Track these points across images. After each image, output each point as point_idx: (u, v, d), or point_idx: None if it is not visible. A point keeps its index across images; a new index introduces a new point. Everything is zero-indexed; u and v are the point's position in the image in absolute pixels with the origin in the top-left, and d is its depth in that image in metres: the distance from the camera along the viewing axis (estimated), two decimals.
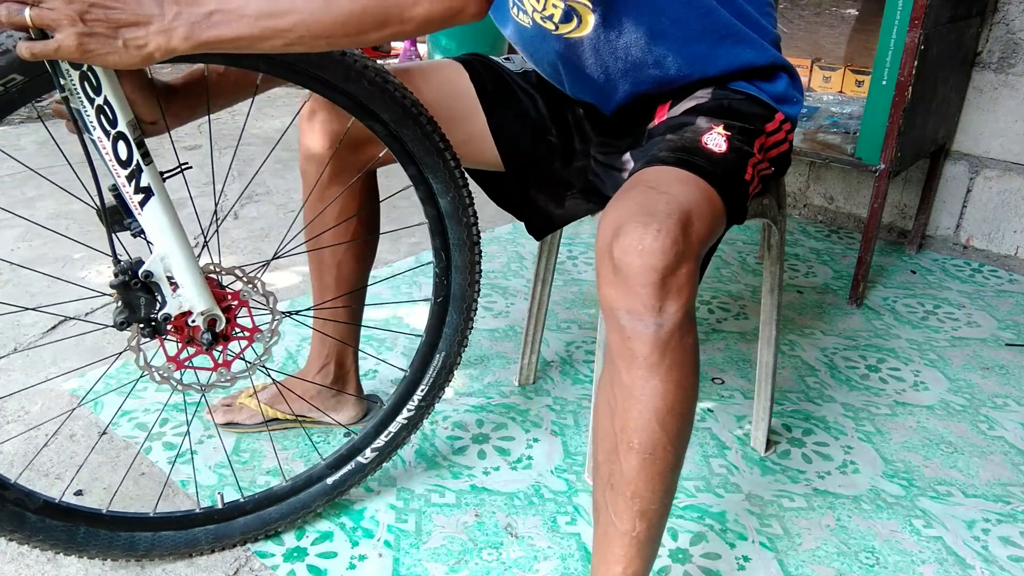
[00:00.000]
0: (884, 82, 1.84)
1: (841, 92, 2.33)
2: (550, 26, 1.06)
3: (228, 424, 1.40)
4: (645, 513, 0.89)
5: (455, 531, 1.21)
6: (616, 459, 0.88)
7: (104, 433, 1.40)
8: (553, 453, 1.40)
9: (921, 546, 1.23)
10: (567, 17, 1.03)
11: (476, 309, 1.16)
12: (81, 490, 1.26)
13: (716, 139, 0.99)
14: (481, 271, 1.14)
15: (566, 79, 1.15)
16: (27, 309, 1.29)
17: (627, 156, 1.14)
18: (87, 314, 1.75)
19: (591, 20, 1.02)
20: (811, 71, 2.36)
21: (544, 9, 1.05)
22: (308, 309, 1.31)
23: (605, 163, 1.18)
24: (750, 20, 1.08)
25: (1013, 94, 2.16)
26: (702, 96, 1.08)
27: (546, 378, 1.63)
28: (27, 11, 0.74)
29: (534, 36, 1.10)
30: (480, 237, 1.12)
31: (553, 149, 1.22)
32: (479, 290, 1.15)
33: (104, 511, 1.08)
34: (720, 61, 1.07)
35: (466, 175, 1.07)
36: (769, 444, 1.44)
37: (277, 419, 1.40)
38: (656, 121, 1.10)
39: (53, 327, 1.71)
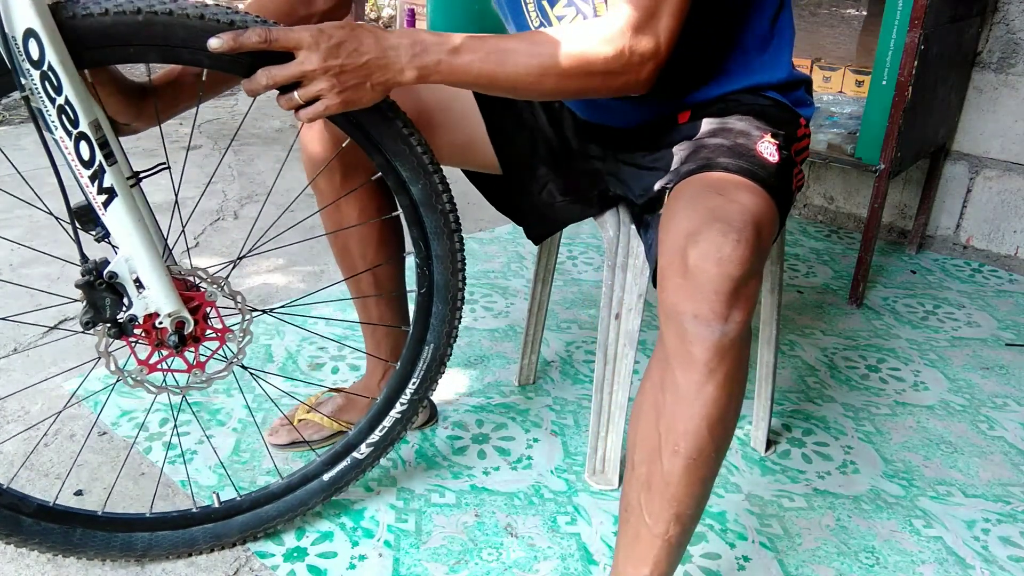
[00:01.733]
0: (884, 82, 1.84)
1: (841, 92, 2.33)
2: None
3: (293, 444, 1.37)
4: (680, 517, 0.90)
5: (455, 531, 1.21)
6: (657, 460, 0.88)
7: (104, 433, 1.40)
8: (553, 453, 1.40)
9: (921, 546, 1.23)
10: None
11: (463, 299, 1.15)
12: (81, 490, 1.26)
13: (769, 148, 0.99)
14: (464, 260, 1.12)
15: (582, 107, 1.15)
16: (5, 319, 1.29)
17: (652, 155, 1.12)
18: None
19: None
20: (811, 71, 2.35)
21: None
22: (282, 306, 1.31)
23: (629, 162, 1.16)
24: (771, 40, 1.08)
25: (1013, 94, 2.16)
26: (732, 99, 1.07)
27: (546, 378, 1.63)
28: (295, 94, 0.88)
29: None
30: (460, 224, 1.10)
31: (552, 152, 1.21)
32: (464, 279, 1.14)
33: (100, 512, 1.08)
34: (744, 82, 1.08)
35: (437, 162, 1.05)
36: (769, 444, 1.43)
37: (344, 432, 1.38)
38: (680, 122, 1.09)
39: (53, 327, 1.71)
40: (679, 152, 1.04)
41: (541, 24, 1.06)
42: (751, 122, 1.03)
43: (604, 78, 0.92)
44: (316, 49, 0.85)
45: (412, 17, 4.59)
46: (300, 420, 1.39)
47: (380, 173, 1.06)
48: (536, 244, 1.33)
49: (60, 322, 1.73)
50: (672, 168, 1.02)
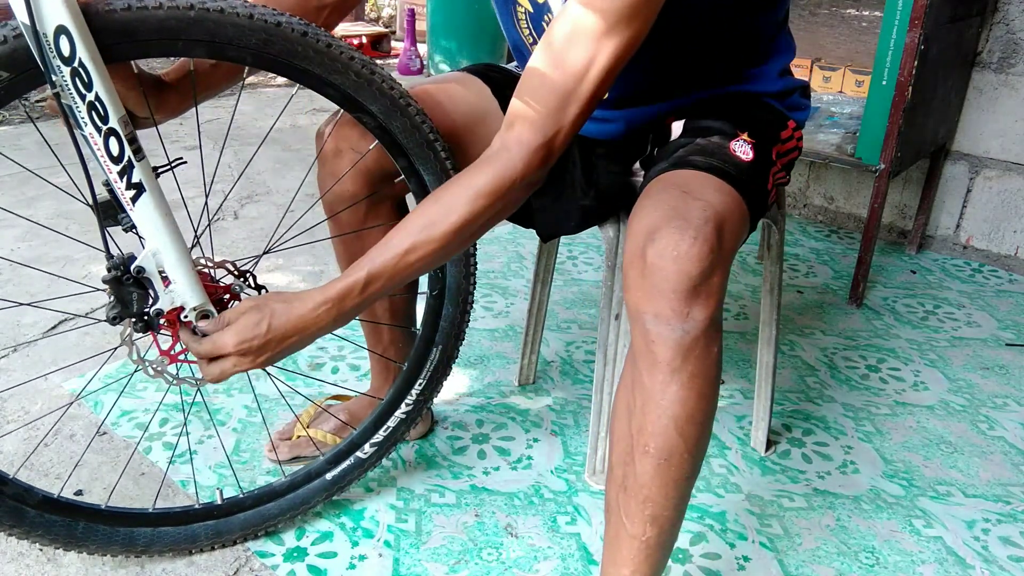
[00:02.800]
0: (884, 82, 1.84)
1: (841, 92, 2.33)
2: None
3: (296, 459, 1.35)
4: (657, 519, 0.89)
5: (455, 531, 1.21)
6: (631, 462, 0.88)
7: (104, 433, 1.40)
8: (553, 453, 1.40)
9: (921, 546, 1.23)
10: None
11: (472, 302, 1.16)
12: (81, 490, 1.27)
13: (743, 146, 0.99)
14: (476, 263, 1.14)
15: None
16: (24, 305, 1.29)
17: (637, 165, 1.13)
18: (88, 313, 1.75)
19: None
20: (811, 71, 2.36)
21: None
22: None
23: (618, 171, 1.17)
24: (765, 49, 1.08)
25: (1013, 94, 2.16)
26: (719, 103, 1.07)
27: (546, 378, 1.63)
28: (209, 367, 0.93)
29: None
30: None
31: (574, 160, 1.20)
32: (475, 282, 1.15)
33: (103, 506, 1.08)
34: (733, 91, 1.08)
35: (458, 168, 1.06)
36: (769, 444, 1.44)
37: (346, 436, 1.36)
38: (669, 124, 1.10)
39: (53, 327, 1.71)
40: (660, 153, 1.05)
41: (535, 43, 1.05)
42: (728, 122, 1.03)
43: (507, 206, 0.92)
44: (240, 357, 0.91)
45: (412, 17, 4.58)
46: (299, 436, 1.35)
47: (402, 176, 1.07)
48: (545, 242, 1.32)
49: (60, 321, 1.73)
50: (650, 169, 1.03)
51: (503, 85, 1.17)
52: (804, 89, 1.14)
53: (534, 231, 1.32)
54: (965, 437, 1.50)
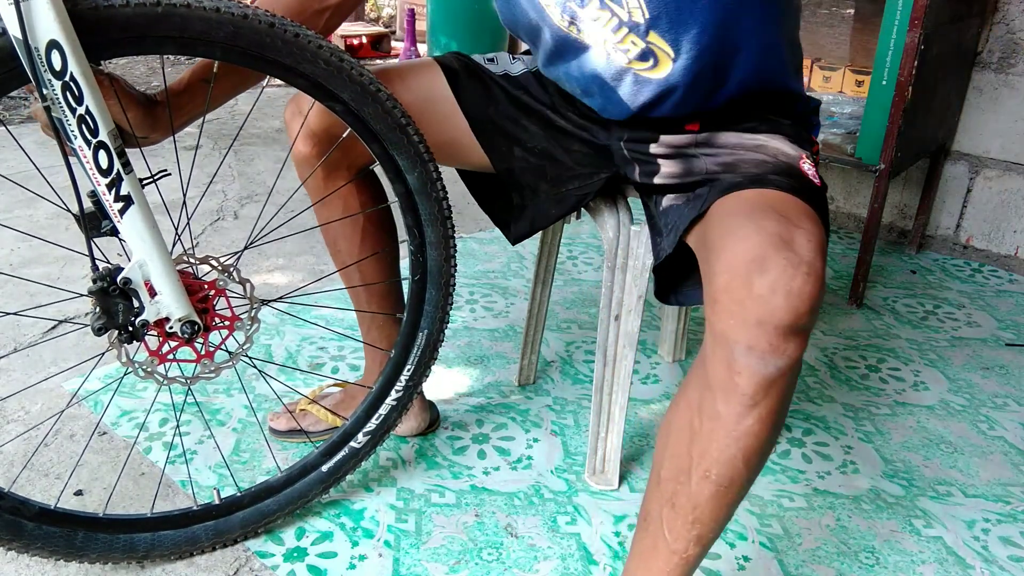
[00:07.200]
0: (884, 82, 1.84)
1: (841, 92, 2.33)
2: (621, 59, 1.02)
3: (291, 432, 1.39)
4: (701, 538, 0.88)
5: (455, 531, 1.21)
6: (686, 482, 0.86)
7: (104, 433, 1.40)
8: (553, 453, 1.40)
9: (921, 546, 1.23)
10: (644, 57, 1.00)
11: (455, 285, 1.16)
12: (81, 490, 1.26)
13: (809, 167, 0.98)
14: (456, 246, 1.14)
15: (607, 103, 1.09)
16: (11, 314, 1.29)
17: (653, 147, 1.11)
18: (87, 314, 1.75)
19: (669, 66, 1.00)
20: (811, 71, 2.36)
21: (621, 42, 1.01)
22: (279, 299, 1.30)
23: (631, 142, 1.14)
24: (796, 56, 1.09)
25: (1013, 94, 2.16)
26: (739, 107, 1.06)
27: (546, 378, 1.63)
28: None
29: (595, 59, 1.05)
30: (451, 211, 1.11)
31: (543, 154, 1.20)
32: (456, 265, 1.15)
33: (101, 514, 1.08)
34: (770, 93, 1.07)
35: (431, 151, 1.07)
36: None
37: (338, 427, 1.37)
38: (688, 128, 1.09)
39: (53, 327, 1.71)
40: (707, 160, 1.03)
41: (571, 24, 1.02)
42: (784, 141, 1.02)
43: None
44: None
45: (412, 17, 4.58)
46: (301, 410, 1.40)
47: (376, 162, 1.07)
48: (513, 244, 1.30)
49: (61, 321, 1.73)
50: (706, 174, 1.02)
51: (462, 75, 1.20)
52: (815, 105, 1.15)
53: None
54: (965, 437, 1.50)
